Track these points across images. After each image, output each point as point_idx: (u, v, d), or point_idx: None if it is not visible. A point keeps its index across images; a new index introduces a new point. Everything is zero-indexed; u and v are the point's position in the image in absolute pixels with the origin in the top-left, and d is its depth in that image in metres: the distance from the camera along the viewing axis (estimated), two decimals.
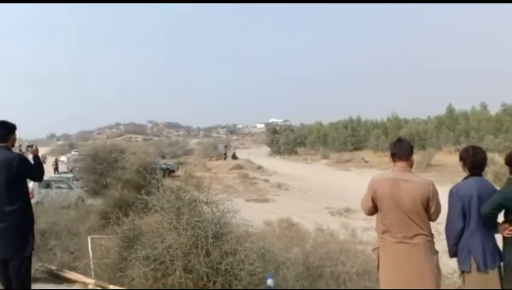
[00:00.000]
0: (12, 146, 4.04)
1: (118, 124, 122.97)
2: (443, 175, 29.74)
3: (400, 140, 3.63)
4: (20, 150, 4.63)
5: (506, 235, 3.39)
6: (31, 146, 4.23)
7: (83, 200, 15.65)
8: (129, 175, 13.20)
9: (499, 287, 3.39)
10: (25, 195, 3.99)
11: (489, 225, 3.40)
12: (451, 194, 3.52)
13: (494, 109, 51.05)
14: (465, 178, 3.60)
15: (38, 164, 4.12)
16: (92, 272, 5.72)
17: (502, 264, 3.46)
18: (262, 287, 4.24)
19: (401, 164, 3.53)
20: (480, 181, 3.55)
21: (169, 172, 26.52)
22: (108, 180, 15.46)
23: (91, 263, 5.96)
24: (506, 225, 3.39)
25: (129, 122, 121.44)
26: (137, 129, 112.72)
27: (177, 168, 32.13)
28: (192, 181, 4.91)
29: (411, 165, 3.57)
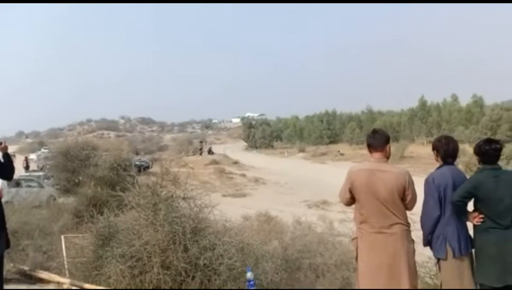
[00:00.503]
0: None
1: (89, 120, 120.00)
2: (416, 166, 30.51)
3: (375, 131, 3.67)
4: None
5: (476, 223, 3.47)
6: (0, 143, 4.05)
7: (54, 199, 15.28)
8: (102, 172, 12.93)
9: (471, 273, 3.48)
10: None
11: (459, 213, 3.47)
12: (427, 183, 3.57)
13: (464, 101, 52.60)
14: (439, 167, 3.66)
15: (8, 161, 3.96)
16: (67, 272, 5.59)
17: (473, 250, 3.54)
18: (242, 281, 4.22)
19: (377, 155, 3.57)
20: (454, 170, 3.62)
21: (143, 168, 26.15)
22: (80, 178, 15.10)
23: (65, 262, 5.84)
24: (476, 213, 3.46)
25: (101, 118, 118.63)
26: (109, 125, 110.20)
27: (152, 165, 31.69)
28: (169, 177, 4.82)
29: (387, 156, 3.61)
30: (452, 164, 3.65)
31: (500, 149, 3.50)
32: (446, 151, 3.62)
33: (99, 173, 12.62)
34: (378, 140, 3.58)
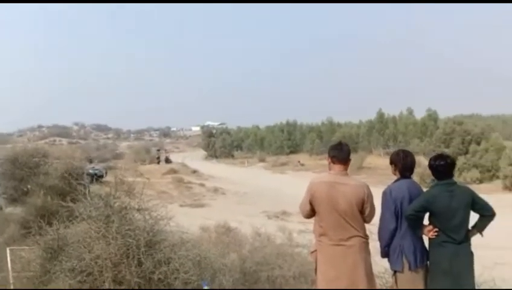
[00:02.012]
0: None
1: (40, 127, 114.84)
2: (373, 177, 31.24)
3: (340, 144, 3.68)
4: None
5: (430, 237, 3.54)
6: None
7: (0, 209, 14.48)
8: (53, 181, 12.33)
9: (425, 285, 3.53)
10: None
11: (413, 227, 3.53)
12: (385, 196, 3.61)
13: (419, 114, 54.75)
14: (397, 180, 3.71)
15: None
16: (11, 286, 5.24)
17: (428, 263, 3.61)
18: None
19: (338, 167, 3.58)
20: (411, 183, 3.68)
21: (97, 177, 25.27)
22: (29, 186, 14.33)
23: (10, 276, 5.48)
24: (430, 227, 3.53)
25: (53, 124, 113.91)
26: (61, 132, 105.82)
27: (106, 173, 30.69)
28: (123, 187, 4.62)
29: (347, 168, 3.63)
30: (409, 177, 3.71)
31: (451, 164, 3.58)
32: (404, 165, 3.68)
33: (50, 182, 12.02)
34: (344, 153, 3.60)
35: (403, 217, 3.54)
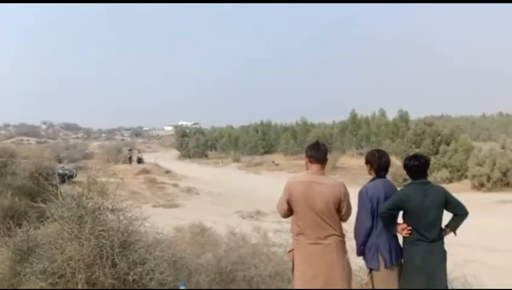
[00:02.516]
0: None
1: (7, 125, 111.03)
2: (347, 177, 31.69)
3: (317, 143, 3.72)
4: None
5: (404, 235, 3.61)
6: None
7: None
8: (21, 181, 11.92)
9: (399, 283, 3.61)
10: None
11: (387, 225, 3.59)
12: (361, 195, 3.67)
13: (391, 115, 55.91)
14: (372, 180, 3.78)
15: None
16: None
17: (402, 261, 3.68)
18: None
19: (316, 167, 3.61)
20: (386, 182, 3.75)
21: (67, 177, 24.66)
22: None
23: None
24: (404, 225, 3.61)
25: (20, 123, 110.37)
26: (29, 131, 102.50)
27: (76, 174, 29.97)
28: (96, 187, 4.51)
29: (324, 168, 3.66)
30: (384, 177, 3.78)
31: (425, 164, 3.66)
32: (379, 164, 3.75)
33: (18, 182, 11.59)
34: (321, 153, 3.64)
35: (379, 216, 3.60)
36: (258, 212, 21.42)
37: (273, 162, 51.34)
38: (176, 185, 31.45)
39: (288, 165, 47.91)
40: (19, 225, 4.91)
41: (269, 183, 32.75)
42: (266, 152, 63.96)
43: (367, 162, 3.84)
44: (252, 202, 24.35)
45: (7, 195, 10.54)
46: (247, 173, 46.39)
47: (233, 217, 19.87)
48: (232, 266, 5.61)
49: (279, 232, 8.15)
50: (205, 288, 4.58)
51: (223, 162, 58.22)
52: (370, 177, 3.81)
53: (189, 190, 29.81)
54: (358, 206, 3.68)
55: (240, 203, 24.35)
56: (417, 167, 3.62)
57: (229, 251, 6.32)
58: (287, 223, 6.85)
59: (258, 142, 65.91)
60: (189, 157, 66.16)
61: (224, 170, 50.58)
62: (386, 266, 3.57)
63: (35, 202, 4.99)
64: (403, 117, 52.41)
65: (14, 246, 4.59)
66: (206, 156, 67.47)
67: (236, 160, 57.75)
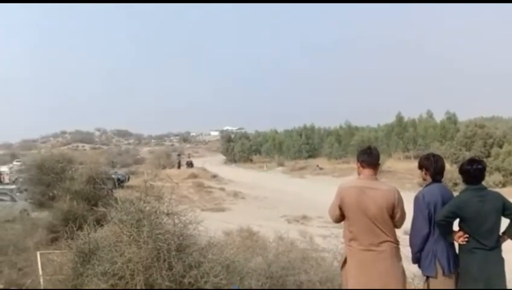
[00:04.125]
0: None
1: (63, 133, 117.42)
2: (393, 181, 30.87)
3: (370, 148, 3.68)
4: None
5: (460, 243, 3.50)
6: None
7: (28, 213, 14.79)
8: (78, 186, 12.60)
9: None
10: None
11: (443, 233, 3.49)
12: (418, 200, 3.59)
13: (439, 117, 53.98)
14: (428, 185, 3.69)
15: None
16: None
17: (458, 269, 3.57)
18: None
19: (368, 172, 3.57)
20: (443, 187, 3.66)
21: (120, 182, 25.66)
22: (55, 191, 14.66)
23: (41, 279, 5.60)
24: (461, 233, 3.49)
25: (75, 130, 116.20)
26: (84, 137, 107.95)
27: (128, 178, 31.17)
28: (152, 191, 4.70)
29: (377, 173, 3.62)
30: (440, 181, 3.68)
31: (483, 169, 3.54)
32: (435, 169, 3.66)
33: (76, 187, 12.28)
34: (373, 158, 3.60)
35: (435, 224, 3.52)
36: (304, 217, 21.33)
37: (317, 166, 50.90)
38: (222, 189, 31.96)
39: (332, 169, 47.35)
40: (80, 228, 5.20)
41: (314, 187, 32.53)
42: (310, 156, 63.53)
43: (421, 167, 3.75)
44: (297, 206, 24.28)
45: (66, 199, 11.18)
46: (292, 177, 46.30)
47: (279, 221, 19.90)
48: (282, 271, 5.63)
49: (328, 238, 8.11)
50: None
51: (268, 166, 58.42)
52: (416, 182, 3.74)
53: (235, 194, 30.18)
54: (414, 212, 3.60)
55: (286, 208, 24.34)
56: (479, 171, 3.50)
57: (279, 255, 6.35)
58: (334, 228, 6.79)
59: (301, 146, 65.61)
60: (235, 161, 66.95)
61: (268, 174, 50.75)
62: (444, 274, 3.47)
63: (94, 205, 5.24)
64: (451, 119, 50.45)
65: (76, 249, 4.86)
66: (251, 160, 68.03)
67: (281, 164, 57.78)
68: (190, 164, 47.59)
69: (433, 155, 3.80)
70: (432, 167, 3.66)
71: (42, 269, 5.90)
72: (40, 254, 6.49)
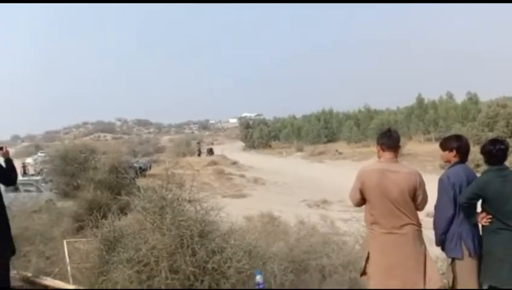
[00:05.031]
0: None
1: (85, 123, 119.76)
2: (413, 164, 30.48)
3: (389, 131, 3.63)
4: None
5: (484, 224, 3.46)
6: (0, 148, 3.96)
7: (53, 203, 15.16)
8: (101, 175, 12.84)
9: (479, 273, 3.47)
10: None
11: (467, 214, 3.45)
12: (442, 182, 3.55)
13: (459, 98, 52.84)
14: (452, 166, 3.64)
15: (11, 167, 3.88)
16: (70, 278, 5.52)
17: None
18: (251, 284, 4.17)
19: (388, 155, 3.53)
20: (466, 168, 3.61)
21: (141, 170, 26.03)
22: (79, 181, 14.99)
23: (68, 267, 5.76)
24: (484, 214, 3.45)
25: (97, 120, 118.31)
26: (105, 127, 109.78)
27: (150, 167, 31.62)
28: (174, 179, 4.77)
29: (397, 156, 3.58)
30: (464, 162, 3.63)
31: (506, 149, 3.48)
32: (466, 150, 3.63)
33: (99, 176, 12.52)
34: (393, 140, 3.55)
35: (458, 206, 3.48)
36: (324, 201, 21.34)
37: (337, 150, 50.57)
38: (242, 176, 32.15)
39: (352, 153, 47.00)
40: (104, 217, 5.32)
41: (333, 172, 32.41)
42: (329, 141, 63.19)
43: (446, 148, 3.69)
44: (317, 191, 24.28)
45: (90, 189, 11.42)
46: (311, 162, 46.19)
47: (300, 206, 19.93)
48: (304, 255, 5.68)
49: (349, 221, 8.10)
50: (280, 276, 4.68)
51: (287, 151, 58.36)
52: (438, 164, 3.70)
53: (255, 180, 30.35)
54: (438, 194, 3.56)
55: (306, 193, 24.37)
56: (502, 151, 3.44)
57: (300, 239, 6.39)
58: (355, 212, 6.76)
59: (320, 131, 65.27)
60: (254, 148, 67.11)
61: (288, 159, 50.74)
62: (469, 255, 3.44)
63: (117, 194, 5.34)
64: (473, 99, 49.29)
65: (101, 237, 4.98)
66: (270, 146, 68.07)
67: (300, 149, 57.65)
68: (210, 151, 47.96)
69: (460, 136, 3.76)
70: (464, 148, 3.62)
71: (69, 257, 6.05)
72: (67, 242, 6.65)
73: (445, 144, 3.71)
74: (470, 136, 34.25)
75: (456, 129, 39.64)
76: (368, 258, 3.60)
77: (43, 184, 19.00)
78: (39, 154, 41.15)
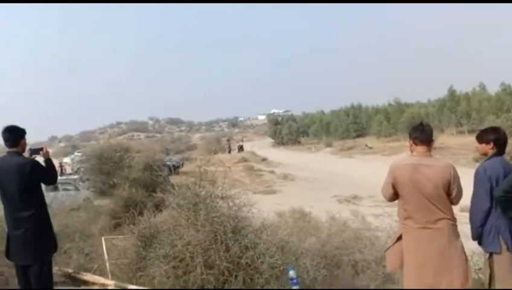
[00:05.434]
0: (23, 151, 3.97)
1: (119, 123, 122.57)
2: (447, 157, 29.68)
3: (421, 124, 3.59)
4: (30, 155, 4.52)
5: None
6: (41, 149, 4.14)
7: (91, 202, 15.65)
8: (136, 174, 13.18)
9: None
10: (41, 200, 3.93)
11: (503, 208, 3.37)
12: (479, 175, 3.48)
13: (493, 89, 50.90)
14: (489, 158, 3.57)
15: (51, 166, 4.05)
16: (109, 273, 5.71)
17: None
18: (284, 280, 4.23)
19: (421, 149, 3.49)
20: (503, 160, 3.54)
21: (174, 168, 26.47)
22: (115, 180, 15.41)
23: (107, 263, 5.96)
24: None
25: (130, 120, 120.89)
26: (139, 127, 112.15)
27: (183, 164, 32.14)
28: (207, 176, 4.87)
29: (430, 150, 3.54)
30: (501, 154, 3.56)
31: None
32: (505, 142, 3.56)
33: (134, 175, 12.87)
34: (426, 134, 3.51)
35: (495, 200, 3.41)
36: (355, 197, 21.11)
37: (366, 145, 49.75)
38: (272, 172, 32.18)
39: (382, 147, 46.14)
40: (140, 214, 5.49)
41: (363, 167, 31.95)
42: (358, 135, 62.24)
43: (483, 141, 3.62)
44: (347, 186, 24.04)
45: (125, 187, 11.76)
46: (340, 157, 45.67)
47: (330, 201, 19.81)
48: (336, 250, 5.69)
49: (381, 217, 8.02)
50: (312, 271, 4.71)
51: (316, 147, 57.95)
52: (472, 157, 3.63)
53: (285, 176, 30.32)
54: (474, 187, 3.49)
55: (336, 188, 24.17)
56: None
57: (332, 235, 6.40)
58: (387, 207, 6.69)
59: (349, 126, 64.36)
60: (283, 144, 66.93)
61: (317, 155, 50.37)
62: (508, 249, 3.37)
63: (152, 192, 5.49)
64: (507, 90, 47.28)
65: (138, 233, 5.14)
66: (299, 142, 67.73)
67: (329, 145, 57.09)
68: (241, 148, 48.29)
69: (497, 128, 3.69)
70: (503, 140, 3.55)
71: (107, 253, 6.25)
72: (105, 239, 6.86)
73: (482, 137, 3.64)
74: (505, 127, 32.90)
75: (490, 121, 38.22)
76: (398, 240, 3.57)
77: (80, 183, 19.62)
78: (76, 153, 42.48)
